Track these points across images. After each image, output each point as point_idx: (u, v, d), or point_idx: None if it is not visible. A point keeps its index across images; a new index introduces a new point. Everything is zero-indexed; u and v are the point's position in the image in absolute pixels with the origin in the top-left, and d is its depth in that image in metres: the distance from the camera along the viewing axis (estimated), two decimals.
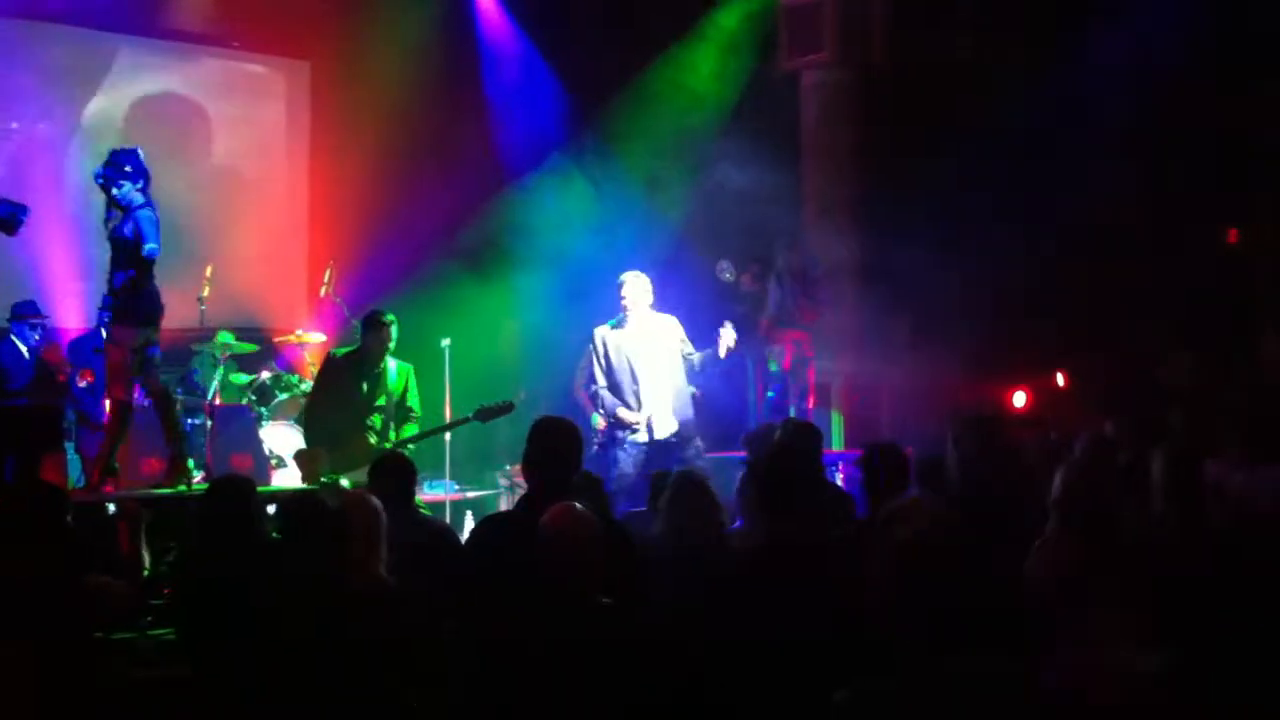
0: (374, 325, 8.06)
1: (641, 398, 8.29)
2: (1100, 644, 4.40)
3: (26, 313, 10.03)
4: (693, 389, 8.61)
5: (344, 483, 7.41)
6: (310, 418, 8.28)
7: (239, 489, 5.27)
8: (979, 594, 3.13)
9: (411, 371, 8.23)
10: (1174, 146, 10.96)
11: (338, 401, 8.05)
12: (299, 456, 8.16)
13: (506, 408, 8.09)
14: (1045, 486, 5.75)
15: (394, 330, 8.05)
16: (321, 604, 4.02)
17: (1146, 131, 10.84)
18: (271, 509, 7.37)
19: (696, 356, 8.49)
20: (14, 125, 11.52)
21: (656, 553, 4.99)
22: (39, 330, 10.04)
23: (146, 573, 7.40)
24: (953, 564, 2.98)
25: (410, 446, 7.96)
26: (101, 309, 9.00)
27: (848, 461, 9.64)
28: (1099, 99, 10.85)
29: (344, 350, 8.49)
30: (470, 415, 8.03)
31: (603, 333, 8.44)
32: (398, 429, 8.16)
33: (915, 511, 3.15)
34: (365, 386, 8.04)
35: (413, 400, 8.22)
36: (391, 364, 8.11)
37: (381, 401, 8.07)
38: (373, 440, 7.99)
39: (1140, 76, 10.54)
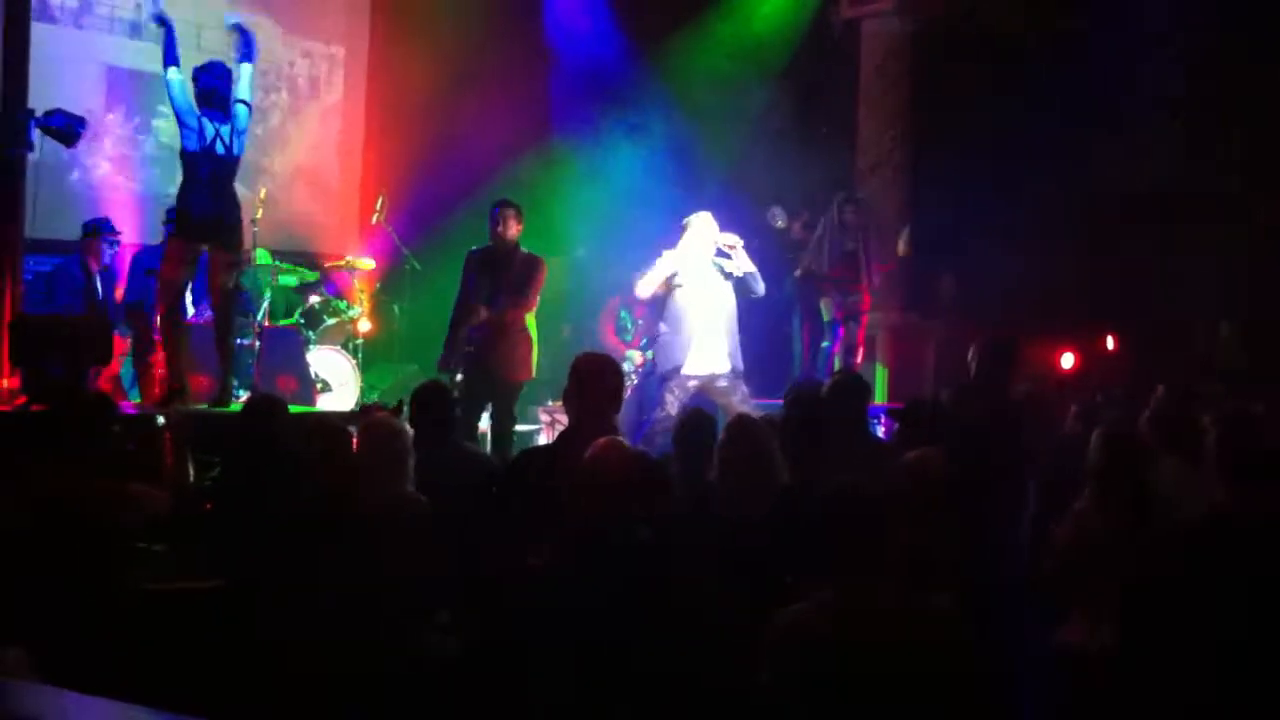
0: (491, 213, 8.04)
1: (696, 336, 7.90)
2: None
3: (103, 230, 9.90)
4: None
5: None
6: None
7: (266, 408, 5.37)
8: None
9: (540, 264, 8.09)
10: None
11: (478, 297, 8.00)
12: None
13: None
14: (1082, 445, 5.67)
15: (511, 215, 7.98)
16: (339, 518, 4.10)
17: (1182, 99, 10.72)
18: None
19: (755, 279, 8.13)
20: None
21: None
22: (115, 247, 9.92)
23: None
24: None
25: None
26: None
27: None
28: (1145, 63, 10.70)
29: (478, 247, 8.37)
30: None
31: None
32: None
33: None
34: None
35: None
36: (522, 255, 8.06)
37: None
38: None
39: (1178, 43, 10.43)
